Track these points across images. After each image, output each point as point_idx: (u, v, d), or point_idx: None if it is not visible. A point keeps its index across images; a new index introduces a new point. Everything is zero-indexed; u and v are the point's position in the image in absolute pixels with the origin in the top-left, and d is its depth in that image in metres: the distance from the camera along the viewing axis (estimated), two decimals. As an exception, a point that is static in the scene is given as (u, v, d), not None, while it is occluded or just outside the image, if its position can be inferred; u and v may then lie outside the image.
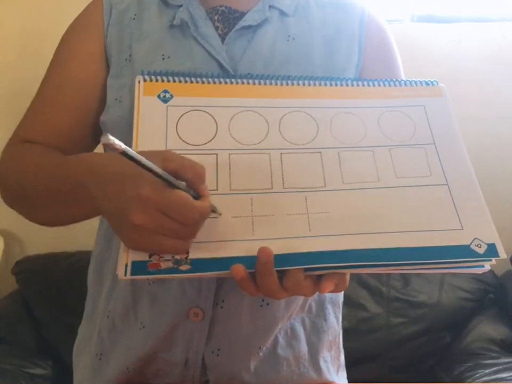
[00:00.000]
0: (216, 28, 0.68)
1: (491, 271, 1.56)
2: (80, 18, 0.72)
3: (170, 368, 0.66)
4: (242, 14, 0.68)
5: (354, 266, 0.51)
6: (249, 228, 0.53)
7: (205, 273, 0.50)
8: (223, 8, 0.69)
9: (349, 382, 0.80)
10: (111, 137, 0.42)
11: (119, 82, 0.66)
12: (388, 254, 0.51)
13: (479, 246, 0.52)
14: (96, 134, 0.69)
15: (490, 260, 0.52)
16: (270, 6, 0.69)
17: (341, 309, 0.76)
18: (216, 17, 0.69)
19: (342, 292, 0.76)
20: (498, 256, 0.52)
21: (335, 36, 0.69)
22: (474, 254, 0.52)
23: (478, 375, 1.34)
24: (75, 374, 0.75)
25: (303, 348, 0.70)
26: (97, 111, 0.68)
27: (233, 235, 0.52)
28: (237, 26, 0.67)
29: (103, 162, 0.51)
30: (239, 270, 0.48)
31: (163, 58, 0.66)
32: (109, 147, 0.43)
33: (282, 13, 0.69)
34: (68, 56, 0.70)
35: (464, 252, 0.52)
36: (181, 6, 0.69)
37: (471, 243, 0.53)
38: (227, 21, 0.68)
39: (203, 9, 0.68)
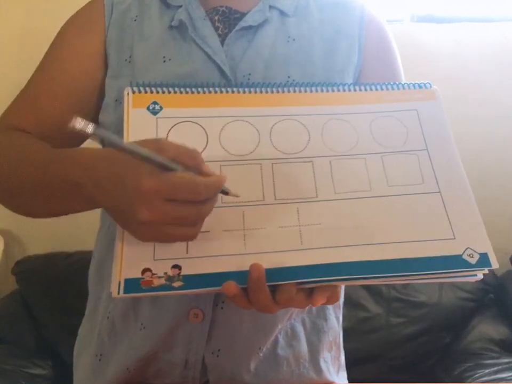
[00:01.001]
0: (217, 28, 0.68)
1: (491, 271, 1.56)
2: (80, 14, 0.72)
3: (170, 368, 0.66)
4: (243, 15, 0.68)
5: (346, 279, 0.51)
6: (241, 241, 0.52)
7: (198, 290, 0.50)
8: (223, 8, 0.69)
9: (349, 382, 0.80)
10: (80, 120, 0.41)
11: (119, 83, 0.65)
12: (380, 266, 0.51)
13: (471, 255, 0.52)
14: None
15: (483, 270, 0.52)
16: (270, 6, 0.68)
17: (341, 309, 0.76)
18: (216, 18, 0.68)
19: (343, 292, 0.76)
20: (491, 266, 0.52)
21: (335, 36, 0.69)
22: (466, 264, 0.51)
23: (478, 375, 1.34)
24: (75, 375, 0.75)
25: (303, 348, 0.70)
26: (91, 107, 0.68)
27: (225, 250, 0.51)
28: (237, 27, 0.66)
29: (95, 159, 0.50)
30: (231, 287, 0.48)
31: (164, 61, 0.66)
32: (79, 132, 0.42)
33: (283, 13, 0.69)
34: (66, 50, 0.69)
35: (456, 262, 0.52)
36: (180, 6, 0.68)
37: (463, 253, 0.52)
38: (227, 21, 0.68)
39: (202, 10, 0.68)
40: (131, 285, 0.49)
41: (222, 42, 0.66)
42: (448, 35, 1.59)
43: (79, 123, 0.43)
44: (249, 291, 0.49)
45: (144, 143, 0.47)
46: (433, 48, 1.59)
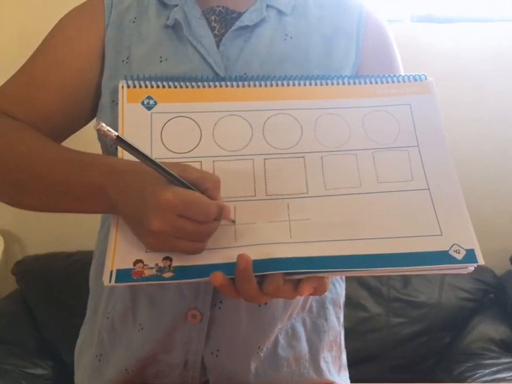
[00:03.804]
0: (213, 28, 0.67)
1: (491, 271, 1.57)
2: (81, 10, 0.71)
3: (169, 369, 0.66)
4: (240, 14, 0.68)
5: (333, 271, 0.52)
6: (232, 235, 0.53)
7: (187, 280, 0.51)
8: (220, 8, 0.68)
9: (350, 382, 0.80)
10: (104, 125, 0.43)
11: (115, 84, 0.64)
12: (366, 260, 0.52)
13: (457, 251, 0.53)
14: (74, 125, 0.69)
15: (470, 266, 0.52)
16: (268, 6, 0.68)
17: (342, 308, 0.76)
18: (213, 18, 0.68)
19: (344, 292, 0.76)
20: (477, 262, 0.52)
21: (333, 34, 0.69)
22: (452, 260, 0.52)
23: (478, 375, 1.35)
24: (76, 375, 0.75)
25: (304, 348, 0.70)
26: (84, 105, 0.67)
27: (216, 243, 0.53)
28: (233, 27, 0.66)
29: (124, 168, 0.52)
30: (218, 277, 0.50)
31: (160, 61, 0.66)
32: (101, 134, 0.44)
33: (280, 12, 0.69)
34: (65, 42, 0.68)
35: (442, 257, 0.52)
36: (177, 5, 0.68)
37: (449, 249, 0.53)
38: (224, 21, 0.68)
39: (199, 9, 0.68)
40: (122, 274, 0.51)
41: (219, 43, 0.66)
42: (448, 35, 1.59)
43: (104, 127, 0.45)
44: (236, 281, 0.50)
45: (168, 165, 0.50)
46: (433, 48, 1.59)
